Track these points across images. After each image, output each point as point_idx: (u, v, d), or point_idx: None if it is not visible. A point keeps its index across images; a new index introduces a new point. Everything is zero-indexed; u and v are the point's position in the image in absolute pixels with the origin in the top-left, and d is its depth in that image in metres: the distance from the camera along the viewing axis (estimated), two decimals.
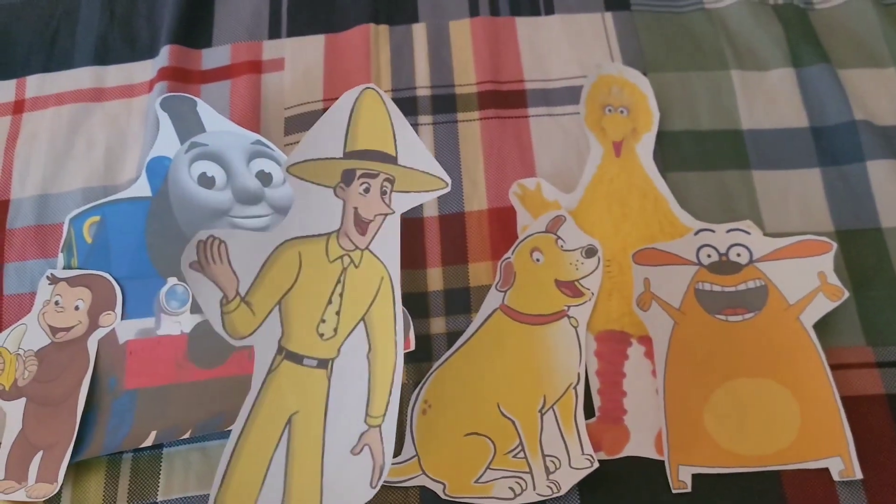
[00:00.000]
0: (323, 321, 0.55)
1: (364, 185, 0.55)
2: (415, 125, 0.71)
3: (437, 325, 0.63)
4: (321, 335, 0.55)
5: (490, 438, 0.58)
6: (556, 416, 0.59)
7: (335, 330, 0.55)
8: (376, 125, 0.55)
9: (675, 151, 0.70)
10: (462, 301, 0.64)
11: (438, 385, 0.60)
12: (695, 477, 0.56)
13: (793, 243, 0.62)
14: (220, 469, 0.53)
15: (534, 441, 0.58)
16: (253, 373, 0.54)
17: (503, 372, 0.60)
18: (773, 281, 0.61)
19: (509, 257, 0.64)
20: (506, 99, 0.73)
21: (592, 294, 0.63)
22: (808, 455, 0.56)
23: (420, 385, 0.60)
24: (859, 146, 0.69)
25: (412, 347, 0.60)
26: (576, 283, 0.63)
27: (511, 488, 0.56)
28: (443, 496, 0.56)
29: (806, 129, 0.71)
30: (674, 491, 0.55)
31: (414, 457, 0.57)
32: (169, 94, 0.69)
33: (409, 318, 0.60)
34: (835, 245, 0.61)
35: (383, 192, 0.55)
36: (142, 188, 0.66)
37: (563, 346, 0.61)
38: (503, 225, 0.66)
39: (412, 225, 0.67)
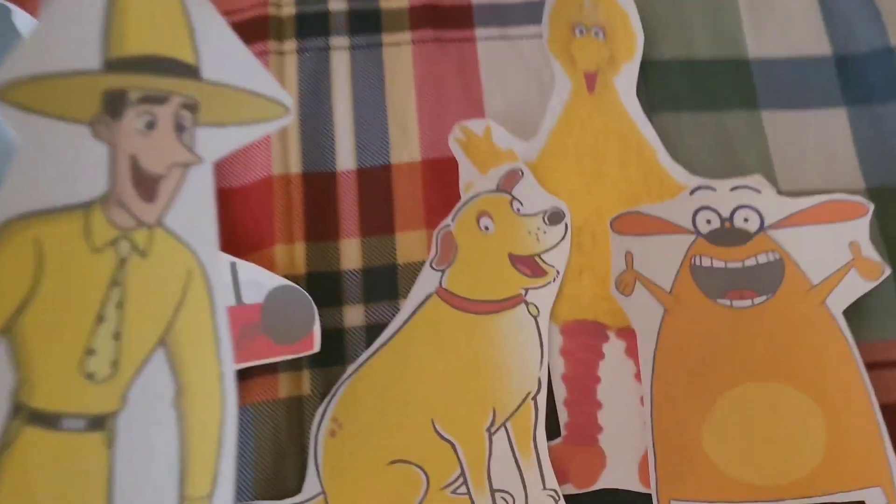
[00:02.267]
0: (91, 352, 0.38)
1: (145, 117, 0.38)
2: (325, 50, 0.61)
3: (353, 315, 0.54)
4: (90, 376, 0.38)
5: (421, 468, 0.50)
6: (509, 437, 0.51)
7: (114, 365, 0.38)
8: (159, 15, 0.39)
9: (664, 86, 0.62)
10: (386, 283, 0.56)
11: (352, 396, 0.51)
12: None
13: (816, 205, 0.55)
14: None
15: (480, 470, 0.50)
16: None
17: (440, 378, 0.52)
18: (790, 254, 0.54)
19: (449, 225, 0.55)
20: (446, 16, 0.64)
21: (558, 273, 0.55)
22: (837, 485, 0.49)
23: (328, 397, 0.51)
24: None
25: (316, 348, 0.50)
26: (536, 258, 0.55)
27: None
28: None
29: (829, 59, 0.63)
30: None
31: (319, 494, 0.49)
32: None
33: (314, 306, 0.50)
34: (871, 206, 0.53)
35: (180, 128, 0.38)
36: None
37: (519, 342, 0.53)
38: (441, 182, 0.58)
39: (319, 182, 0.58)
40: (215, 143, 0.40)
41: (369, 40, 0.62)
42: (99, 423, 0.38)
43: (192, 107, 0.38)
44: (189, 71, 0.38)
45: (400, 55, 0.62)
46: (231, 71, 0.38)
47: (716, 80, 0.63)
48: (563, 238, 0.55)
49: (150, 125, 0.38)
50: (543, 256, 0.55)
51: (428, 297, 0.53)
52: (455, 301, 0.53)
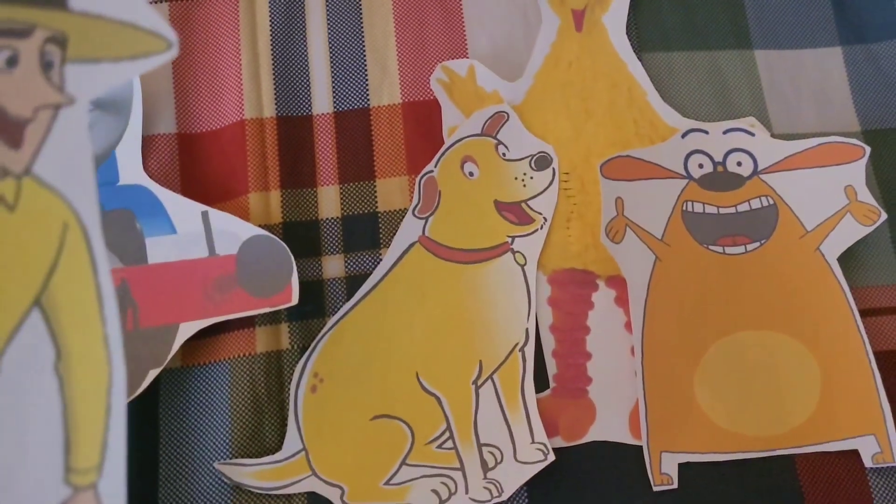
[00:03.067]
0: None
1: (5, 53, 0.35)
2: None
3: (333, 266, 0.53)
4: None
5: (406, 422, 0.49)
6: (496, 390, 0.50)
7: None
8: None
9: (654, 24, 0.60)
10: (367, 232, 0.54)
11: (333, 350, 0.50)
12: (682, 467, 0.48)
13: (810, 147, 0.54)
14: None
15: (466, 425, 0.49)
16: None
17: (424, 330, 0.51)
18: (784, 199, 0.53)
19: (432, 171, 0.54)
20: None
21: (545, 220, 0.54)
22: (831, 434, 0.49)
23: (308, 352, 0.50)
24: (892, 17, 0.61)
25: (294, 301, 0.49)
26: (523, 204, 0.54)
27: (435, 491, 0.48)
28: None
29: None
30: (655, 488, 0.48)
31: (301, 451, 0.48)
32: None
33: (291, 257, 0.49)
34: (867, 149, 0.53)
35: (48, 66, 0.35)
36: None
37: (505, 291, 0.52)
38: (423, 126, 0.57)
39: (295, 126, 0.56)
40: (88, 80, 0.36)
41: None
42: None
43: (59, 41, 0.35)
44: (54, 0, 0.34)
45: None
46: (104, 0, 0.35)
47: (708, 17, 0.61)
48: (550, 184, 0.54)
49: (12, 61, 0.34)
50: (530, 203, 0.54)
51: (411, 246, 0.53)
52: (439, 250, 0.52)
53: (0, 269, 0.35)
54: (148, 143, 0.54)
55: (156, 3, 0.56)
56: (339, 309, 0.51)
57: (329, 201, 0.55)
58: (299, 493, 0.47)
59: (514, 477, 0.47)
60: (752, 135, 0.55)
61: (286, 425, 0.48)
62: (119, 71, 0.35)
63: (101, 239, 0.35)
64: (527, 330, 0.51)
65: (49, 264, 0.35)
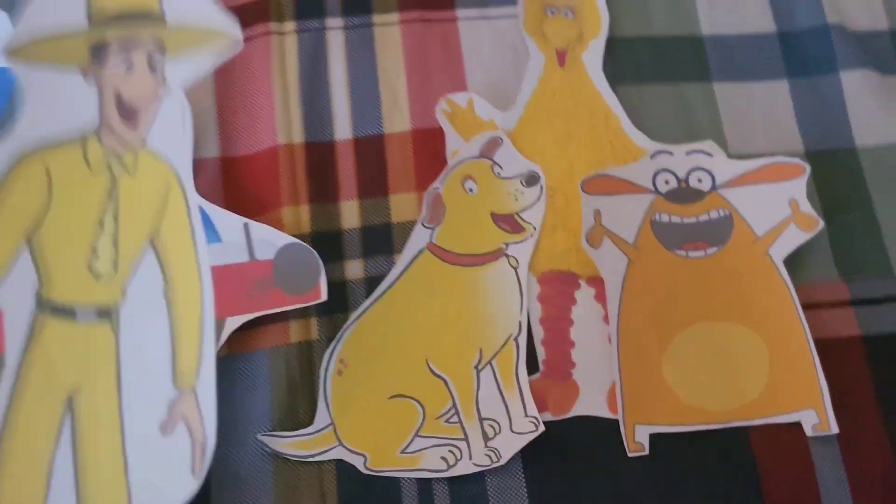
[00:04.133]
0: (96, 255, 0.42)
1: (124, 62, 0.42)
2: (321, 30, 0.62)
3: (354, 269, 0.56)
4: (96, 274, 0.42)
5: (418, 401, 0.52)
6: (494, 373, 0.53)
7: (115, 264, 0.43)
8: None
9: (627, 61, 0.63)
10: (382, 240, 0.57)
11: (356, 340, 0.53)
12: (653, 437, 0.51)
13: (760, 167, 0.57)
14: None
15: (469, 402, 0.52)
16: (5, 342, 0.41)
17: (432, 323, 0.54)
18: (738, 210, 0.56)
19: (437, 187, 0.57)
20: None
21: (535, 229, 0.57)
22: (778, 408, 0.52)
23: (334, 341, 0.53)
24: (832, 54, 0.63)
25: (323, 298, 0.51)
26: (515, 216, 0.57)
27: (443, 458, 0.50)
28: (363, 470, 0.50)
29: (773, 35, 0.64)
30: (630, 454, 0.51)
31: (329, 425, 0.51)
32: None
33: (320, 261, 0.52)
34: (808, 168, 0.56)
35: (153, 67, 0.43)
36: None
37: (501, 290, 0.55)
38: (430, 149, 0.59)
39: (320, 150, 0.59)
40: (181, 72, 0.43)
41: (362, 21, 0.62)
42: (106, 313, 0.42)
43: (160, 47, 0.42)
44: (156, 18, 0.41)
45: (390, 35, 0.62)
46: (188, 13, 0.41)
47: (673, 55, 0.63)
48: (538, 198, 0.57)
49: (129, 67, 0.42)
50: (522, 214, 0.57)
51: (420, 251, 0.55)
52: (444, 255, 0.55)
53: (124, 218, 0.42)
54: (196, 165, 0.54)
55: None
56: (359, 305, 0.54)
57: (350, 214, 0.57)
58: (328, 461, 0.50)
59: (510, 445, 0.50)
60: (711, 155, 0.57)
61: (316, 403, 0.51)
62: (203, 62, 0.42)
63: (194, 194, 0.41)
64: (520, 322, 0.54)
65: (158, 213, 0.42)
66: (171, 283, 0.43)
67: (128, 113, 0.43)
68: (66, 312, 0.41)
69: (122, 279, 0.43)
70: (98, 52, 0.42)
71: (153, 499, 0.41)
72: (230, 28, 0.42)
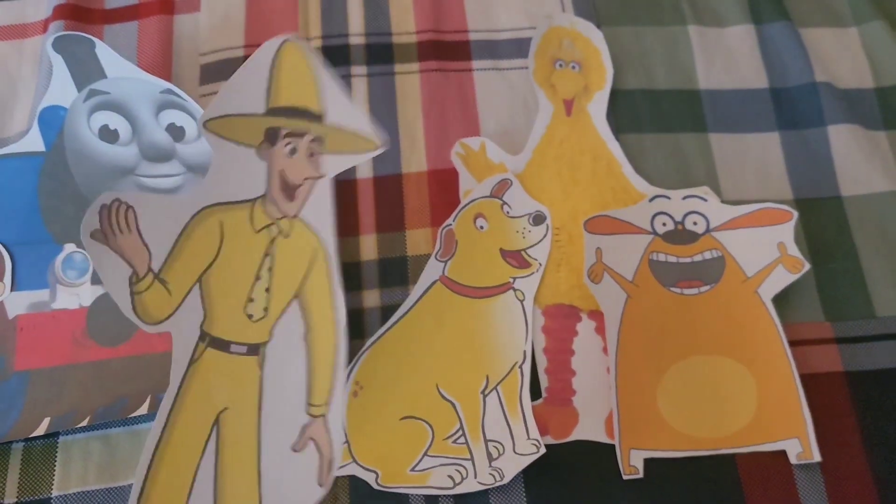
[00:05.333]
0: (251, 300, 0.49)
1: (290, 146, 0.49)
2: (347, 77, 0.66)
3: (371, 298, 0.59)
4: (250, 316, 0.49)
5: (427, 422, 0.54)
6: (499, 398, 0.56)
7: (266, 310, 0.50)
8: (300, 79, 0.49)
9: (629, 111, 0.67)
10: (398, 272, 0.60)
11: (371, 364, 0.56)
12: (647, 461, 0.54)
13: (751, 212, 0.60)
14: (138, 481, 0.47)
15: (475, 425, 0.54)
16: (172, 364, 0.48)
17: (443, 350, 0.57)
18: (730, 251, 0.59)
19: (450, 224, 0.60)
20: (448, 50, 0.69)
21: (540, 265, 0.59)
22: (764, 437, 0.54)
23: (351, 364, 0.55)
24: (820, 109, 0.67)
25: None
26: (522, 252, 0.60)
27: (450, 476, 0.53)
28: (375, 486, 0.52)
29: (765, 91, 0.68)
30: (625, 477, 0.53)
31: (344, 443, 0.53)
32: (63, 33, 0.61)
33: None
34: (796, 214, 0.59)
35: (311, 154, 0.50)
36: (33, 142, 0.59)
37: (507, 321, 0.58)
38: (444, 188, 0.63)
39: (344, 188, 0.62)
40: (334, 164, 0.50)
41: (384, 69, 0.67)
42: (254, 349, 0.49)
43: (319, 140, 0.49)
44: (317, 116, 0.49)
45: (409, 82, 0.66)
46: (343, 117, 0.49)
47: (672, 107, 0.67)
48: (544, 236, 0.60)
49: (293, 151, 0.49)
50: (529, 251, 0.59)
51: (433, 283, 0.58)
52: (455, 287, 0.58)
53: (278, 272, 0.50)
54: None
55: None
56: (375, 332, 0.56)
57: (368, 247, 0.60)
58: (343, 476, 0.52)
59: (513, 465, 0.52)
60: (706, 200, 0.60)
61: None
62: (351, 159, 0.49)
63: (335, 259, 0.49)
64: (525, 351, 0.56)
65: (305, 271, 0.49)
66: (312, 330, 0.50)
67: (288, 188, 0.50)
68: (222, 345, 0.49)
69: (270, 322, 0.50)
70: (271, 135, 0.50)
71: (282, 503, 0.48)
72: (376, 136, 0.50)
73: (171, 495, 0.47)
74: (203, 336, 0.49)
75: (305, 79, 0.49)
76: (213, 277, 0.49)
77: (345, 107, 0.50)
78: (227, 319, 0.49)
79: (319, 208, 0.50)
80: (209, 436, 0.48)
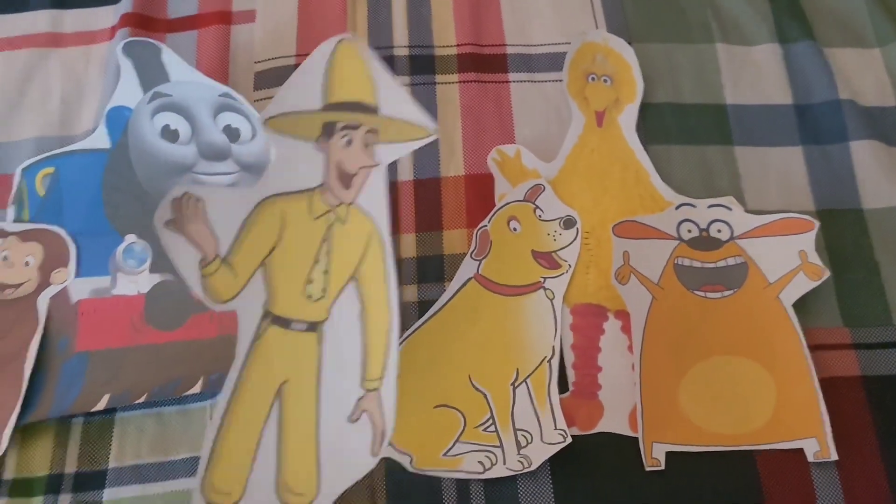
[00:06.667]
0: (310, 282, 0.52)
1: (346, 138, 0.52)
2: None
3: (409, 293, 0.62)
4: (309, 297, 0.52)
5: (460, 411, 0.57)
6: (528, 390, 0.58)
7: (324, 290, 0.52)
8: (355, 76, 0.52)
9: (657, 124, 0.69)
10: (435, 269, 0.63)
11: (408, 354, 0.58)
12: (668, 455, 0.55)
13: (774, 221, 0.62)
14: (206, 446, 0.50)
15: (505, 414, 0.57)
16: (238, 340, 0.51)
17: (476, 343, 0.59)
18: (753, 258, 0.61)
19: (486, 225, 0.62)
20: (486, 63, 0.71)
21: (570, 266, 0.62)
22: (783, 435, 0.56)
23: None
24: (843, 126, 0.68)
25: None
26: (553, 254, 0.62)
27: (480, 462, 0.55)
28: (410, 469, 0.55)
29: (790, 107, 0.70)
30: (647, 468, 0.55)
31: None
32: (132, 38, 0.65)
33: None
34: (817, 224, 0.61)
35: (366, 144, 0.52)
36: (100, 139, 0.63)
37: (538, 318, 0.60)
38: (480, 192, 0.65)
39: None
40: (388, 153, 0.52)
41: (425, 79, 0.70)
42: (313, 326, 0.52)
43: (373, 131, 0.52)
44: (372, 109, 0.51)
45: (449, 92, 0.69)
46: (397, 108, 0.51)
47: (699, 120, 0.69)
48: (574, 239, 0.62)
49: (349, 143, 0.51)
50: (559, 253, 0.61)
51: (468, 280, 0.60)
52: (489, 285, 0.60)
53: (335, 255, 0.52)
54: None
55: None
56: (412, 325, 0.59)
57: (408, 245, 0.63)
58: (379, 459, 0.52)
59: (540, 453, 0.54)
60: (730, 209, 0.62)
61: None
62: (404, 148, 0.52)
63: (390, 243, 0.51)
64: (553, 347, 0.58)
65: (360, 255, 0.52)
66: (367, 310, 0.53)
67: (344, 177, 0.52)
68: (284, 322, 0.52)
69: (328, 302, 0.52)
70: (327, 129, 0.52)
71: (338, 470, 0.51)
72: (427, 124, 0.52)
73: (237, 461, 0.50)
74: (266, 314, 0.52)
75: (360, 74, 0.52)
76: (275, 261, 0.52)
77: (397, 98, 0.52)
78: (288, 299, 0.52)
79: (374, 195, 0.52)
80: (272, 406, 0.51)
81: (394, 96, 0.52)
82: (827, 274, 0.59)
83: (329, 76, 0.51)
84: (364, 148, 0.52)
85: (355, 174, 0.52)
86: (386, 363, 0.51)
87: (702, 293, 0.60)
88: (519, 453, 0.55)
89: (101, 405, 0.56)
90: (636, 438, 0.56)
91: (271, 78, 0.70)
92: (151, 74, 0.63)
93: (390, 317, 0.51)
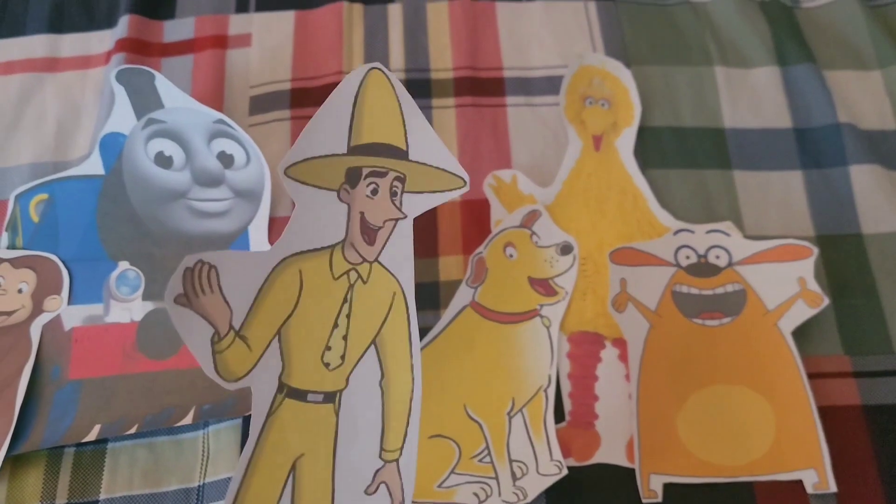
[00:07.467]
0: (328, 348, 0.48)
1: (372, 186, 0.47)
2: None
3: None
4: (327, 365, 0.48)
5: (455, 441, 0.56)
6: (524, 420, 0.57)
7: (342, 357, 0.48)
8: (384, 113, 0.47)
9: (655, 148, 0.69)
10: (431, 296, 0.62)
11: None
12: (666, 486, 0.55)
13: (773, 247, 0.61)
14: None
15: (501, 445, 0.56)
16: (251, 416, 0.47)
17: (471, 372, 0.58)
18: (751, 285, 0.60)
19: (481, 252, 0.62)
20: (483, 86, 0.71)
21: (566, 293, 0.61)
22: (782, 466, 0.55)
23: None
24: (843, 149, 0.68)
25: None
26: (550, 281, 0.61)
27: (475, 494, 0.54)
28: None
29: (789, 130, 0.70)
30: (644, 501, 0.54)
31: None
32: (125, 65, 0.65)
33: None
34: (816, 250, 0.60)
35: (393, 194, 0.47)
36: (94, 166, 0.63)
37: (534, 346, 0.59)
38: (476, 218, 0.65)
39: None
40: (416, 204, 0.48)
41: (421, 103, 0.64)
42: (331, 397, 0.48)
43: (402, 179, 0.48)
44: (401, 154, 0.47)
45: (446, 116, 0.69)
46: (428, 154, 0.48)
47: (698, 144, 0.68)
48: (571, 266, 0.61)
49: (375, 192, 0.47)
50: (556, 280, 0.61)
51: (463, 308, 0.60)
52: (485, 312, 0.60)
53: (356, 319, 0.48)
54: (273, 223, 0.63)
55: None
56: None
57: None
58: None
59: (536, 485, 0.53)
60: (729, 235, 0.62)
61: None
62: (434, 199, 0.48)
63: (413, 304, 0.47)
64: (549, 376, 0.58)
65: (383, 317, 0.48)
66: (388, 376, 0.49)
67: (368, 232, 0.48)
68: (299, 395, 0.47)
69: (347, 370, 0.48)
70: (352, 175, 0.47)
71: None
72: (460, 173, 0.48)
73: None
74: (281, 387, 0.47)
75: (390, 111, 0.47)
76: (292, 328, 0.47)
77: (429, 141, 0.48)
78: (304, 369, 0.48)
79: (399, 251, 0.48)
80: (286, 481, 0.47)
81: (424, 138, 0.48)
82: (826, 302, 0.59)
83: (357, 112, 0.47)
84: (391, 197, 0.48)
85: (380, 227, 0.48)
86: (406, 433, 0.48)
87: (700, 321, 0.60)
88: (514, 485, 0.54)
89: (92, 435, 0.55)
90: (633, 469, 0.55)
91: (266, 102, 0.70)
92: (145, 101, 0.63)
93: (412, 383, 0.48)
